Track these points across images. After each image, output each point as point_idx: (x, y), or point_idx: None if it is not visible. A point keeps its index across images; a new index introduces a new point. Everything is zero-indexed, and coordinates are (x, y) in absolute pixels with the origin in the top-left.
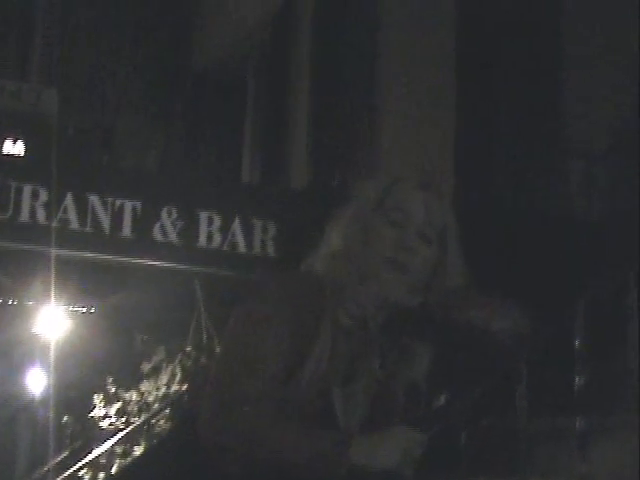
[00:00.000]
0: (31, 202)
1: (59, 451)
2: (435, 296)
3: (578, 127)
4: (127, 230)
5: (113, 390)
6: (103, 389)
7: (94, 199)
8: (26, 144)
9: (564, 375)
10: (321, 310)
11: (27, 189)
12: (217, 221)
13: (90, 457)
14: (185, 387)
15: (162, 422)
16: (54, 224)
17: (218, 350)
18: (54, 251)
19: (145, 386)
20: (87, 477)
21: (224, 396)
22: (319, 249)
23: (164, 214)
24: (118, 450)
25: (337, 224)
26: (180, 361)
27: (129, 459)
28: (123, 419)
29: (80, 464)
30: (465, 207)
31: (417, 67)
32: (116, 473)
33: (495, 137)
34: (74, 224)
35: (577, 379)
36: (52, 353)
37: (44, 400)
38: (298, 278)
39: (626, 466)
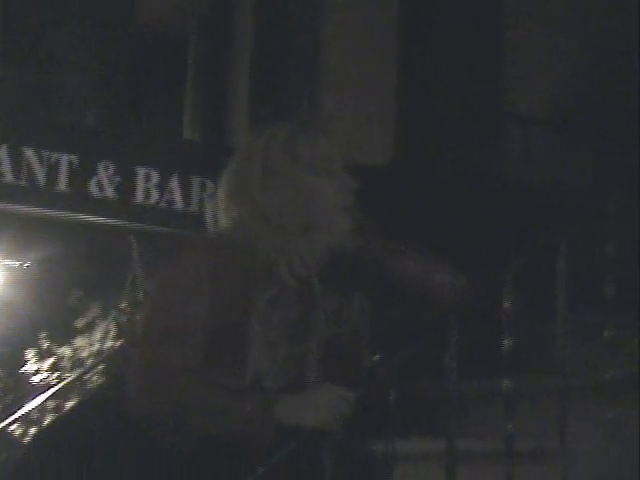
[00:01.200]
0: None
1: None
2: (376, 239)
3: (517, 92)
4: (63, 184)
5: (46, 345)
6: (36, 344)
7: (29, 152)
8: None
9: (493, 337)
10: (250, 275)
11: None
12: (155, 177)
13: (21, 412)
14: (119, 343)
15: (95, 378)
16: None
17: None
18: None
19: (79, 342)
20: (18, 432)
21: (149, 367)
22: (242, 212)
23: (101, 169)
24: (50, 405)
25: (252, 183)
26: (115, 317)
27: (61, 414)
28: (56, 375)
29: (11, 419)
30: (403, 171)
31: (360, 31)
32: (47, 428)
33: (436, 101)
34: (8, 177)
35: (505, 341)
36: None
37: None
38: (222, 242)
39: (549, 429)
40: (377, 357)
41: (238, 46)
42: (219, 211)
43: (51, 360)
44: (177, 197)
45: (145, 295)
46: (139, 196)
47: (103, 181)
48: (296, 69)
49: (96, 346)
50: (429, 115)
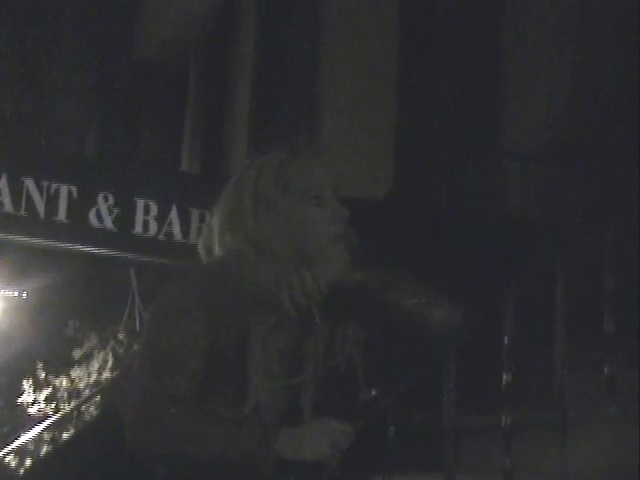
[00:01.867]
0: None
1: None
2: (374, 272)
3: (514, 127)
4: (62, 214)
5: (43, 375)
6: (33, 374)
7: (29, 182)
8: None
9: (491, 371)
10: (247, 304)
11: None
12: (154, 209)
13: (17, 443)
14: (116, 374)
15: (92, 409)
16: None
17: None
18: None
19: (76, 372)
20: (14, 463)
21: (143, 397)
22: (236, 241)
23: (100, 200)
24: (46, 437)
25: (244, 213)
26: (112, 348)
27: (57, 446)
28: (52, 405)
29: (7, 450)
30: (402, 204)
31: (360, 59)
32: (44, 460)
33: (434, 134)
34: (8, 207)
35: (504, 375)
36: None
37: None
38: (213, 270)
39: (549, 462)
40: (373, 392)
41: (238, 78)
42: (213, 240)
43: (48, 390)
44: (176, 229)
45: (143, 323)
46: (138, 227)
47: (102, 212)
48: (295, 102)
49: (93, 377)
50: (428, 145)
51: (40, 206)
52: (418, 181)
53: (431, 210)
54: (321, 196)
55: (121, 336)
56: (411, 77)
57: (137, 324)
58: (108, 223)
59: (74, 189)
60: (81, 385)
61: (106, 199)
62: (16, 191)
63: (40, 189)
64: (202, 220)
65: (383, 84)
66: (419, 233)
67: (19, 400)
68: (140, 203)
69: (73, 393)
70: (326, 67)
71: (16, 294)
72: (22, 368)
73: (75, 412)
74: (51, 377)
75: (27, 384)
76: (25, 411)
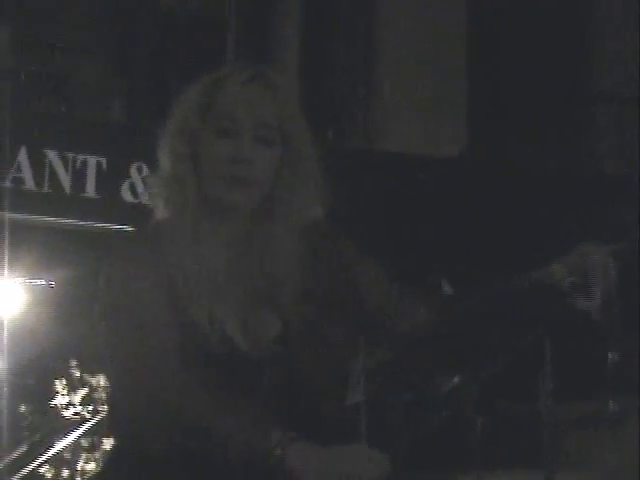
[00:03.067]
0: None
1: (16, 445)
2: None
3: (608, 69)
4: (91, 190)
5: (77, 375)
6: (66, 374)
7: (52, 154)
8: None
9: (594, 352)
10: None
11: None
12: None
13: (52, 452)
14: None
15: None
16: (6, 184)
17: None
18: (7, 215)
19: None
20: (49, 474)
21: (133, 387)
22: (154, 175)
23: (134, 171)
24: (84, 443)
25: (164, 143)
26: None
27: (97, 453)
28: (89, 408)
29: (41, 460)
30: (478, 166)
31: (423, 5)
32: (82, 469)
33: (511, 84)
34: (29, 183)
35: (610, 356)
36: (5, 333)
37: None
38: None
39: None
40: (455, 380)
41: (284, 29)
42: None
43: (84, 391)
44: None
45: None
46: None
47: (136, 185)
48: (350, 55)
49: None
50: (505, 98)
51: (65, 181)
52: (494, 136)
53: (509, 168)
54: (232, 128)
55: None
56: (484, 20)
57: None
58: (144, 197)
59: (103, 160)
60: None
61: (140, 170)
62: (38, 165)
63: (65, 162)
64: None
65: (452, 24)
66: (495, 193)
67: (52, 403)
68: None
69: None
70: (385, 10)
71: (42, 283)
72: (53, 367)
73: None
74: (87, 376)
75: (60, 385)
76: (59, 415)
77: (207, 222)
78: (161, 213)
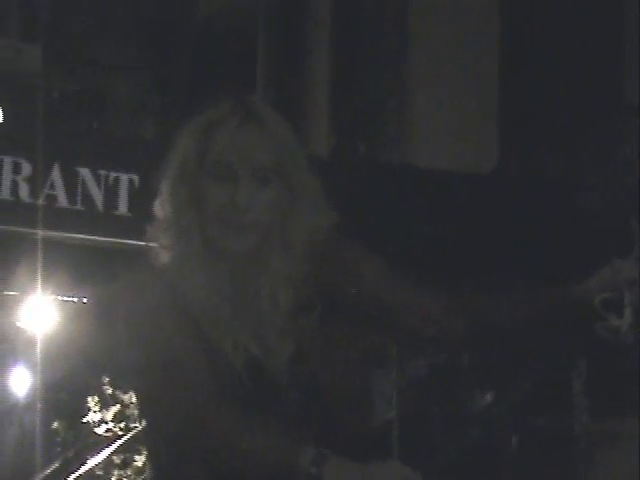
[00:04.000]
0: (12, 176)
1: (49, 461)
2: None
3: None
4: (124, 207)
5: (110, 391)
6: (98, 390)
7: (85, 172)
8: (4, 109)
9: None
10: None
11: (7, 161)
12: None
13: (85, 468)
14: None
15: None
16: (39, 202)
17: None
18: (40, 233)
19: None
20: None
21: (166, 422)
22: (153, 225)
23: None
24: (117, 460)
25: (164, 189)
26: None
27: (129, 470)
28: (122, 424)
29: (73, 476)
30: (510, 180)
31: (456, 15)
32: None
33: (545, 96)
34: (62, 201)
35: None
36: (39, 350)
37: (30, 403)
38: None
39: None
40: (488, 397)
41: (315, 44)
42: None
43: (116, 408)
44: None
45: None
46: None
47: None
48: (381, 68)
49: None
50: (536, 113)
51: (98, 199)
52: (526, 154)
53: (541, 186)
54: (228, 174)
55: None
56: (517, 34)
57: None
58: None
59: (135, 178)
60: None
61: None
62: (70, 183)
63: (97, 179)
64: None
65: (485, 44)
66: (527, 211)
67: (84, 420)
68: None
69: None
70: (417, 22)
71: (75, 299)
72: (86, 384)
73: None
74: (119, 393)
75: (92, 402)
76: (91, 432)
77: (213, 260)
78: (167, 258)
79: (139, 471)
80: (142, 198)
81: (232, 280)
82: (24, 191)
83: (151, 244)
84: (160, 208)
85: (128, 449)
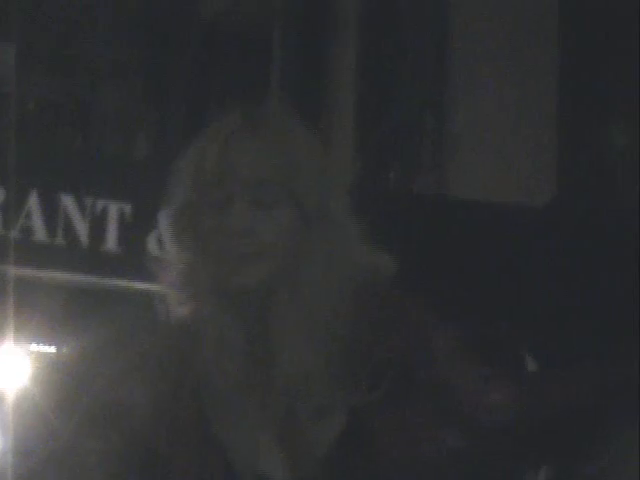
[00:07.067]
0: None
1: None
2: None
3: None
4: (112, 242)
5: None
6: None
7: (67, 200)
8: None
9: None
10: None
11: None
12: None
13: None
14: None
15: None
16: (13, 234)
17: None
18: (13, 270)
19: None
20: None
21: None
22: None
23: (162, 220)
24: None
25: (169, 229)
26: None
27: None
28: None
29: None
30: (569, 217)
31: (504, 22)
32: None
33: (607, 128)
34: (40, 234)
35: None
36: (10, 409)
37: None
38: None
39: None
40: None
41: (337, 46)
42: None
43: None
44: None
45: None
46: None
47: (165, 237)
48: (416, 85)
49: None
50: (600, 142)
51: (82, 231)
52: (586, 184)
53: (601, 218)
54: (222, 198)
55: None
56: (576, 58)
57: None
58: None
59: (126, 207)
60: None
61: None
62: (50, 212)
63: (81, 208)
64: None
65: (541, 45)
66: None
67: None
68: None
69: None
70: (458, 31)
71: (54, 349)
72: None
73: None
74: None
75: None
76: None
77: (224, 307)
78: (178, 311)
79: None
80: (134, 231)
81: (247, 333)
82: None
83: (146, 286)
84: (157, 244)
85: None
